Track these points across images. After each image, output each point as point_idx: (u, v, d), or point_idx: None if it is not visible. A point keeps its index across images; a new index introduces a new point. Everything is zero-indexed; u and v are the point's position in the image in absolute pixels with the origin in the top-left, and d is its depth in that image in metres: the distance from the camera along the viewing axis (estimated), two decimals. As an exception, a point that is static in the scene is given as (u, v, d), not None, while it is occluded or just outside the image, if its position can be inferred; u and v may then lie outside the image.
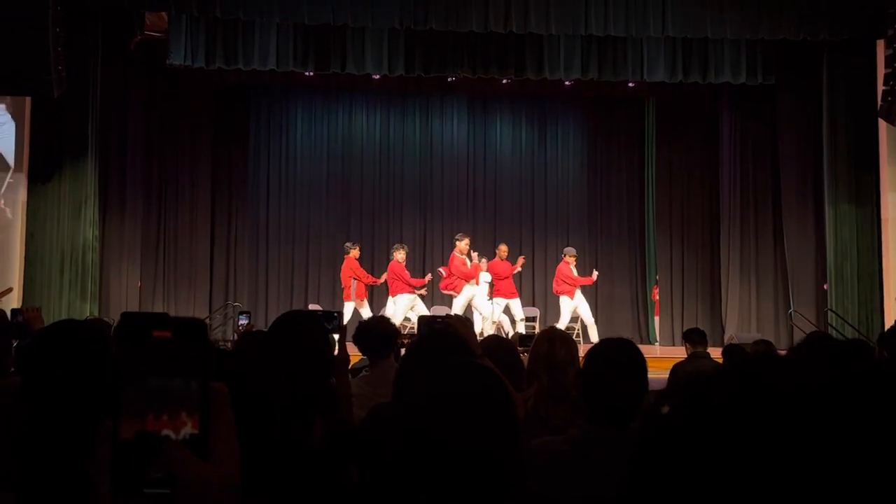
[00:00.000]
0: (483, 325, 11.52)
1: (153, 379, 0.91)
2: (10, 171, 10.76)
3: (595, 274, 12.49)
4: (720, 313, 13.02)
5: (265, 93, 14.02)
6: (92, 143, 10.80)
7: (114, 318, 10.03)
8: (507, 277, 12.01)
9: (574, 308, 12.06)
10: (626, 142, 14.67)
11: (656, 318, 14.02)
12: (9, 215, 10.83)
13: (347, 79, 12.39)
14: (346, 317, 10.88)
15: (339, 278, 12.18)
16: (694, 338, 6.61)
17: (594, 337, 11.89)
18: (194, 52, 11.26)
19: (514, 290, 12.20)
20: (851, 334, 10.32)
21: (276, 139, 14.32)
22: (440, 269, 12.39)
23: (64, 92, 9.87)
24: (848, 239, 11.36)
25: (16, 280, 10.57)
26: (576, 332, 11.97)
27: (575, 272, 12.14)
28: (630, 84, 12.73)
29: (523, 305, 12.47)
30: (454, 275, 11.85)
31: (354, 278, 11.87)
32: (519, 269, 12.31)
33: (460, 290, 11.80)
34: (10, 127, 10.77)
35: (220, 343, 9.44)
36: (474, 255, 12.05)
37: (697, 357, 6.36)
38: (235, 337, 8.25)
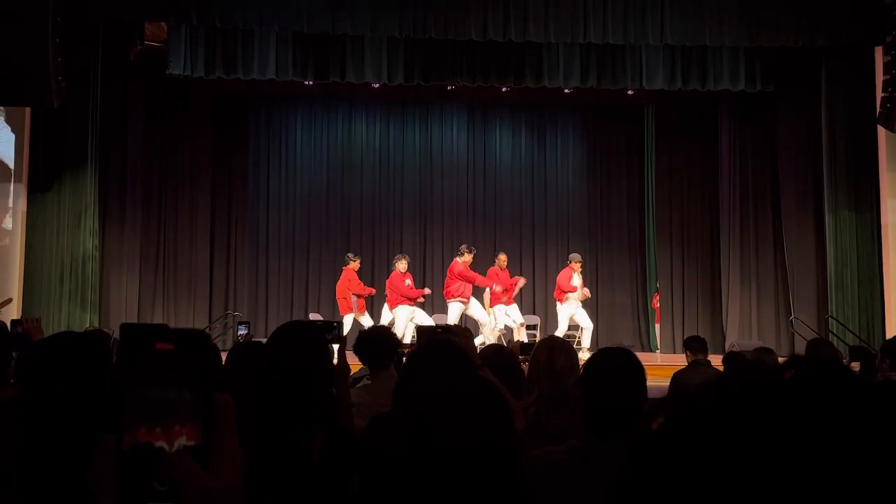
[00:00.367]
0: (483, 332, 11.49)
1: (156, 391, 0.91)
2: (11, 181, 10.77)
3: (586, 290, 12.36)
4: (721, 321, 13.00)
5: (265, 102, 14.02)
6: (91, 152, 10.81)
7: (114, 328, 10.03)
8: (507, 290, 11.93)
9: (571, 315, 12.03)
10: (625, 150, 14.67)
11: (657, 326, 14.00)
12: (8, 225, 10.83)
13: (347, 88, 12.42)
14: (346, 327, 10.85)
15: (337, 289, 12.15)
16: (694, 345, 6.61)
17: (586, 342, 11.85)
18: (194, 61, 11.27)
19: (511, 297, 12.12)
20: (852, 341, 10.31)
21: (275, 148, 14.31)
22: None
23: (64, 102, 9.88)
24: (848, 246, 11.35)
25: (15, 290, 10.56)
26: (576, 340, 11.95)
27: (577, 279, 12.09)
28: (629, 92, 12.74)
29: (524, 314, 12.45)
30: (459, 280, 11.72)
31: (355, 294, 11.85)
32: (516, 291, 12.22)
33: (468, 296, 11.70)
34: (9, 137, 10.78)
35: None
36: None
37: (698, 365, 6.36)
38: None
